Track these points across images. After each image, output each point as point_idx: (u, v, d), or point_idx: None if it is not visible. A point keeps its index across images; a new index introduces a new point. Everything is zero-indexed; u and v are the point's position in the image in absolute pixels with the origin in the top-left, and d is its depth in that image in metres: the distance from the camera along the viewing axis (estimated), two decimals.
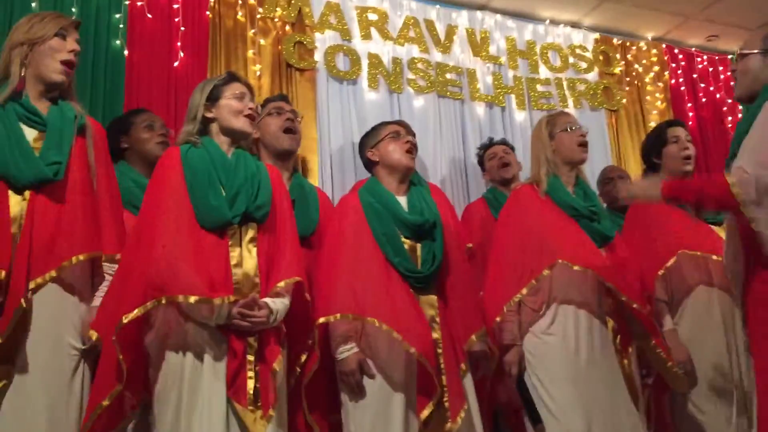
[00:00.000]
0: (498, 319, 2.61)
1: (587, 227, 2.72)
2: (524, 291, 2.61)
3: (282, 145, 2.90)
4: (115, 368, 2.07)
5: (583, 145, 2.81)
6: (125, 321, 2.02)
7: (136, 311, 2.03)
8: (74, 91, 2.38)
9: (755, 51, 2.30)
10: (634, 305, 2.58)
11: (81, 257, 2.15)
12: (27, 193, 2.13)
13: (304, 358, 2.35)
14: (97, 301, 2.22)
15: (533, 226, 2.72)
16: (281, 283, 2.20)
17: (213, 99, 2.36)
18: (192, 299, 2.02)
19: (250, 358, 2.11)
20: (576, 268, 2.58)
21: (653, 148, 3.15)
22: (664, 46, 5.31)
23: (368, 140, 2.79)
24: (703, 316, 2.80)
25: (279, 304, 2.18)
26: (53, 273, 2.10)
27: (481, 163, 3.83)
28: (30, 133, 2.21)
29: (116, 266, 2.23)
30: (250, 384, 2.08)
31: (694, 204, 2.35)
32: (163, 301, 2.04)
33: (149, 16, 3.67)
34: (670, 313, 2.82)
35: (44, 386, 2.04)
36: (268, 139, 2.92)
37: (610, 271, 2.62)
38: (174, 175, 2.23)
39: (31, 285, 2.06)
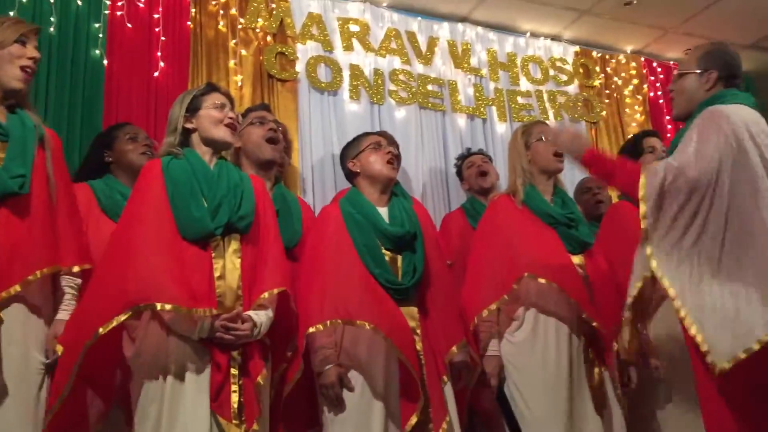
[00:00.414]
0: (471, 328, 2.62)
1: (564, 234, 2.74)
2: (493, 306, 2.62)
3: (264, 155, 2.87)
4: (67, 373, 2.03)
5: (559, 154, 2.82)
6: (102, 331, 1.98)
7: (114, 320, 1.99)
8: (30, 99, 2.31)
9: (691, 71, 2.35)
10: (593, 323, 2.60)
11: (45, 271, 2.10)
12: None
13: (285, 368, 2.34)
14: (61, 314, 2.18)
15: (507, 237, 2.73)
16: (265, 294, 2.18)
17: (193, 110, 2.35)
18: (168, 307, 1.98)
19: (234, 371, 2.09)
20: (541, 281, 2.59)
21: (629, 157, 3.18)
22: (642, 59, 5.37)
23: (349, 151, 2.78)
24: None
25: (263, 317, 2.17)
26: (17, 288, 2.04)
27: (459, 173, 3.84)
28: None
29: (76, 279, 2.21)
30: (234, 398, 2.06)
31: (604, 177, 2.40)
32: (142, 309, 2.01)
33: (129, 25, 3.64)
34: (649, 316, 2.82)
35: (15, 403, 2.00)
36: (250, 148, 2.88)
37: (574, 285, 2.63)
38: (155, 187, 2.21)
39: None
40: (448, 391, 2.49)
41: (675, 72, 2.44)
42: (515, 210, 2.78)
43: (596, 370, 2.66)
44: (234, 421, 2.03)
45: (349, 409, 2.33)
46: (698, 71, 2.33)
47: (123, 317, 2.00)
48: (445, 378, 2.48)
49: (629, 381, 2.77)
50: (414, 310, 2.50)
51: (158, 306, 1.99)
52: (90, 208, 2.58)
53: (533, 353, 2.61)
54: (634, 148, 3.19)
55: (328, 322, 2.33)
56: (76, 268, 2.20)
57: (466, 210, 3.56)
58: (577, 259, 2.74)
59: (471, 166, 3.71)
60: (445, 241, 3.44)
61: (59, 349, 2.08)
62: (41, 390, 2.09)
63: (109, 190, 2.70)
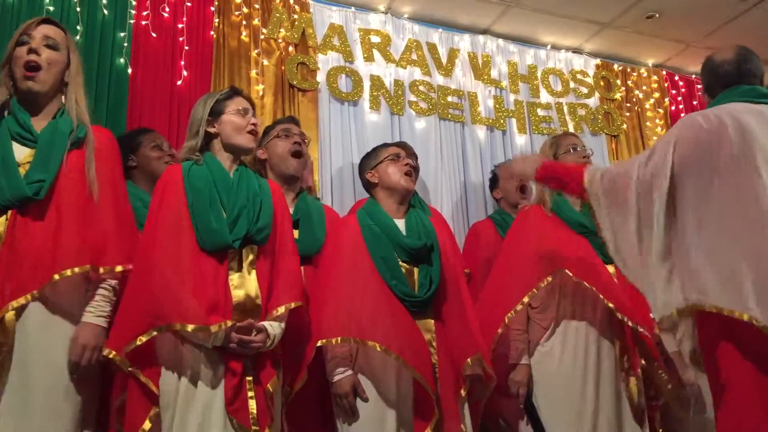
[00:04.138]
0: (500, 331, 2.60)
1: (596, 244, 2.70)
2: (525, 299, 2.61)
3: (288, 169, 2.87)
4: (143, 390, 2.08)
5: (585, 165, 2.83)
6: (128, 350, 2.03)
7: (137, 341, 2.03)
8: (74, 100, 2.28)
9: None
10: (639, 328, 2.58)
11: (68, 272, 2.07)
12: (9, 213, 2.09)
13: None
14: (85, 316, 2.12)
15: (541, 240, 2.73)
16: (281, 309, 2.20)
17: (216, 113, 2.37)
18: (189, 328, 2.01)
19: (249, 378, 2.11)
20: (576, 279, 2.58)
21: None
22: (664, 72, 5.34)
23: (368, 161, 2.80)
24: None
25: (277, 329, 2.19)
26: (35, 293, 2.03)
27: (494, 180, 3.81)
28: (21, 152, 2.16)
29: (112, 281, 2.18)
30: (252, 404, 2.07)
31: (560, 188, 2.38)
32: (164, 330, 2.05)
33: (154, 35, 3.70)
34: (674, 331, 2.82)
35: (38, 405, 2.00)
36: (275, 161, 2.90)
37: (613, 290, 2.62)
38: (176, 194, 2.23)
39: (14, 304, 2.01)
40: (465, 405, 2.49)
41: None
42: (546, 218, 2.79)
43: (632, 379, 2.64)
44: (254, 427, 2.04)
45: (363, 418, 2.34)
46: (701, 92, 2.38)
47: (145, 338, 2.03)
48: (463, 392, 2.47)
49: (655, 398, 2.76)
50: (430, 322, 2.51)
51: (177, 326, 2.02)
52: None
53: (561, 363, 2.61)
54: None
55: (340, 338, 2.34)
56: (119, 268, 2.16)
57: (495, 221, 3.54)
58: (611, 269, 2.73)
59: (511, 178, 3.64)
60: (472, 249, 3.45)
61: (110, 353, 2.07)
62: (67, 392, 2.05)
63: (132, 198, 2.73)
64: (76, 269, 2.08)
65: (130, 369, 2.07)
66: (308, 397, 2.39)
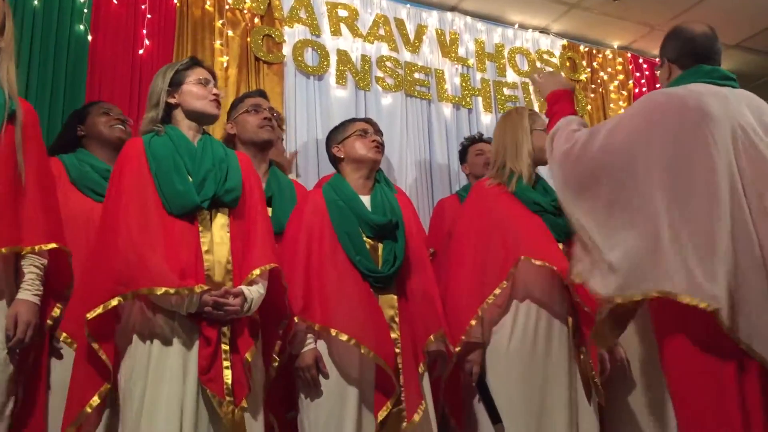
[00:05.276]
0: (473, 322, 2.60)
1: (551, 222, 2.72)
2: (497, 291, 2.61)
3: (260, 136, 2.87)
4: (96, 365, 2.03)
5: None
6: (89, 318, 1.97)
7: (101, 308, 1.98)
8: (6, 69, 2.18)
9: (659, 66, 2.35)
10: (585, 308, 2.61)
11: (3, 251, 2.05)
12: None
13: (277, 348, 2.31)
14: (21, 293, 2.12)
15: (497, 222, 2.72)
16: (256, 271, 2.14)
17: (176, 84, 2.32)
18: (159, 291, 1.96)
19: (225, 347, 2.06)
20: (537, 263, 2.60)
21: None
22: (629, 55, 5.40)
23: (335, 136, 2.77)
24: None
25: (254, 293, 2.14)
26: None
27: (463, 154, 3.80)
28: None
29: (42, 259, 2.16)
30: (228, 374, 2.02)
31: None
32: (129, 297, 2.00)
33: (115, 1, 3.60)
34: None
35: None
36: (246, 136, 2.89)
37: (567, 269, 2.64)
38: (137, 165, 2.18)
39: None
40: (425, 381, 2.50)
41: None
42: (502, 194, 2.77)
43: (582, 357, 2.66)
44: (228, 398, 2.00)
45: (324, 393, 2.34)
46: (660, 63, 2.31)
47: (112, 303, 1.98)
48: (422, 367, 2.48)
49: (603, 370, 2.80)
50: (393, 298, 2.50)
51: (144, 291, 1.98)
52: (60, 181, 2.54)
53: (511, 341, 2.61)
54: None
55: (306, 322, 2.34)
56: (40, 248, 2.14)
57: (461, 197, 3.52)
58: (562, 247, 2.76)
59: (480, 154, 3.65)
60: (438, 226, 3.45)
61: (61, 335, 2.08)
62: (3, 370, 2.04)
63: (79, 163, 2.69)
64: (12, 248, 2.08)
65: (90, 342, 2.01)
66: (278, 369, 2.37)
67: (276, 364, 2.30)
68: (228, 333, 2.08)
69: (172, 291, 1.97)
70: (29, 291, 2.12)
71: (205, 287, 2.04)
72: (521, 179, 2.77)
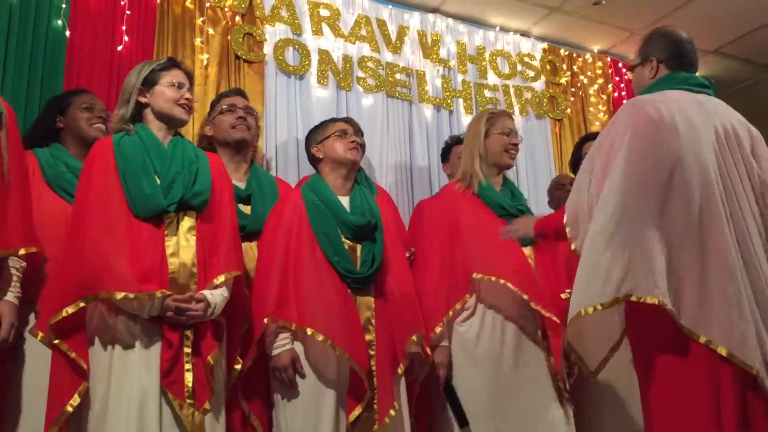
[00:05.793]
0: (438, 329, 2.61)
1: None
2: (458, 306, 2.65)
3: (233, 135, 2.84)
4: (73, 365, 2.04)
5: (509, 151, 2.86)
6: (52, 322, 1.99)
7: (63, 312, 1.99)
8: None
9: (636, 63, 2.35)
10: (553, 317, 2.62)
11: None
12: None
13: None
14: (8, 296, 2.16)
15: (460, 229, 2.75)
16: (221, 277, 2.17)
17: (149, 83, 2.31)
18: (119, 296, 1.97)
19: (187, 350, 2.07)
20: (491, 279, 2.61)
21: (578, 160, 3.30)
22: (609, 59, 5.43)
23: (315, 136, 2.77)
24: None
25: (218, 297, 2.15)
26: None
27: (446, 154, 3.78)
28: None
29: (21, 261, 2.17)
30: (189, 377, 2.04)
31: (557, 238, 2.31)
32: (91, 300, 2.01)
33: None
34: None
35: None
36: (220, 136, 2.87)
37: (526, 279, 2.64)
38: (105, 166, 2.17)
39: None
40: (401, 383, 2.50)
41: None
42: (468, 198, 2.79)
43: (552, 359, 2.68)
44: (188, 401, 2.01)
45: (301, 393, 2.34)
46: (640, 61, 2.32)
47: (71, 309, 2.00)
48: (400, 369, 2.48)
49: (570, 374, 2.82)
50: (371, 300, 2.50)
51: (104, 295, 1.98)
52: (34, 178, 2.48)
53: (478, 344, 2.63)
54: (578, 150, 3.40)
55: (281, 321, 2.33)
56: (21, 251, 2.16)
57: None
58: (527, 251, 2.77)
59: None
60: (417, 227, 3.44)
61: (38, 334, 2.10)
62: None
63: (54, 161, 2.59)
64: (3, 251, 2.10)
65: (55, 342, 2.02)
66: (257, 369, 2.38)
67: (239, 366, 2.31)
68: (191, 335, 2.10)
69: (131, 296, 1.98)
70: (12, 293, 2.16)
71: (167, 292, 2.05)
72: (481, 182, 2.79)
